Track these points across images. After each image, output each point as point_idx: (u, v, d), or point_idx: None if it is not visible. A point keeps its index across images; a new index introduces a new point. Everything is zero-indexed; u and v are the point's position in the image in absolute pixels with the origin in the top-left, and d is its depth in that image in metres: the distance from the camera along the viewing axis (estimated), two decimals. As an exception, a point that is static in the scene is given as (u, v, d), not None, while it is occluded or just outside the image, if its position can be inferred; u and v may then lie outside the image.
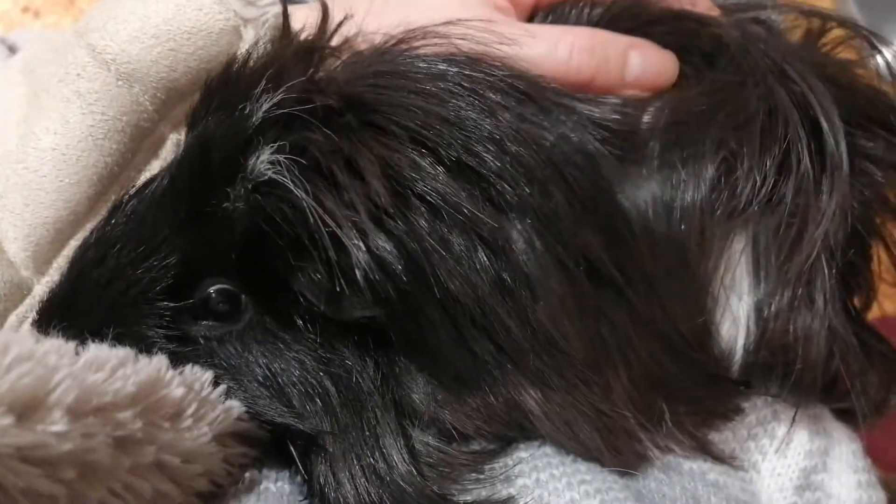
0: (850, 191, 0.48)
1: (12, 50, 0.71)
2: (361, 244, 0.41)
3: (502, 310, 0.43)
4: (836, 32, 0.57)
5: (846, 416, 0.54)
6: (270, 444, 0.47)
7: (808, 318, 0.48)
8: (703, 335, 0.49)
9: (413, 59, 0.47)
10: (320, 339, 0.46)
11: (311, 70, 0.46)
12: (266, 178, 0.43)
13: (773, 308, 0.48)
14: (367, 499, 0.44)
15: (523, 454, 0.48)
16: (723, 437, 0.50)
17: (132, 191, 0.50)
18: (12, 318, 0.52)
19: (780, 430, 0.51)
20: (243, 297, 0.47)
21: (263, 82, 0.45)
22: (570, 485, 0.45)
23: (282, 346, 0.46)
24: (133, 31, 0.50)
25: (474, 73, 0.46)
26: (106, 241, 0.48)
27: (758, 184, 0.47)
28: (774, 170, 0.48)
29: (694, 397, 0.49)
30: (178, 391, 0.42)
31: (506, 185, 0.43)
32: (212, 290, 0.47)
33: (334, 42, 0.50)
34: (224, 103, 0.47)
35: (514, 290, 0.43)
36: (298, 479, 0.47)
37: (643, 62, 0.51)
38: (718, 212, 0.47)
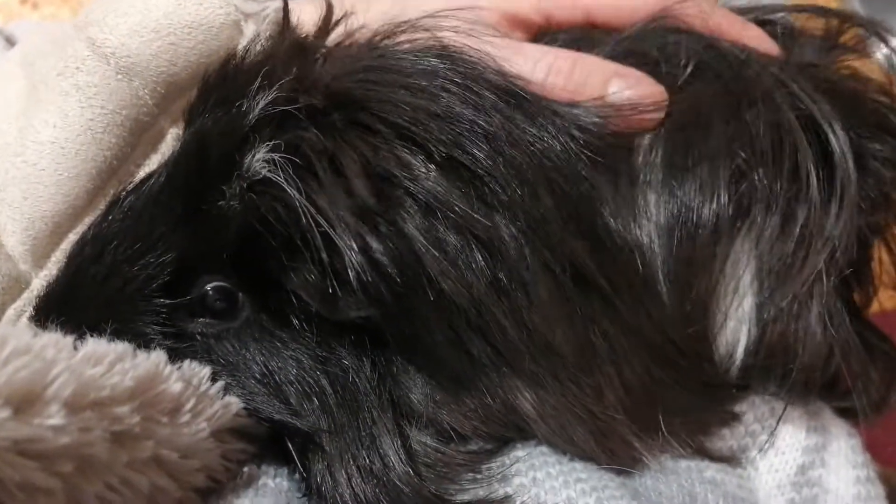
0: (858, 193, 0.48)
1: (10, 42, 0.71)
2: (353, 244, 0.41)
3: (498, 310, 0.43)
4: (853, 32, 0.57)
5: (846, 412, 0.54)
6: (269, 441, 0.47)
7: (809, 320, 0.47)
8: (699, 343, 0.48)
9: (402, 55, 0.47)
10: (317, 338, 0.46)
11: (300, 68, 0.46)
12: (261, 176, 0.43)
13: (774, 311, 0.47)
14: (363, 498, 0.44)
15: (520, 453, 0.47)
16: (720, 436, 0.50)
17: (130, 187, 0.50)
18: (10, 312, 0.52)
19: (778, 427, 0.51)
20: (240, 294, 0.47)
21: (259, 79, 0.45)
22: (567, 483, 0.45)
23: (279, 344, 0.46)
24: (133, 25, 0.50)
25: (467, 70, 0.45)
26: (103, 238, 0.48)
27: (763, 198, 0.47)
28: (780, 181, 0.47)
29: (688, 406, 0.48)
30: (176, 386, 0.42)
31: (497, 185, 0.42)
32: (209, 287, 0.47)
33: (334, 37, 0.50)
34: (221, 100, 0.46)
35: (510, 291, 0.43)
36: (297, 476, 0.47)
37: (626, 92, 0.48)
38: (723, 226, 0.47)
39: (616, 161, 0.46)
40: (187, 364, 0.44)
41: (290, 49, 0.48)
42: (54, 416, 0.33)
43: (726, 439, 0.50)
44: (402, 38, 0.48)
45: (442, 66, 0.45)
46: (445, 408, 0.46)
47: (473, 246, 0.42)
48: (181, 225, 0.46)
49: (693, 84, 0.50)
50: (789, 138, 0.48)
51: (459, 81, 0.44)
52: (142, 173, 0.52)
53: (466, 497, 0.45)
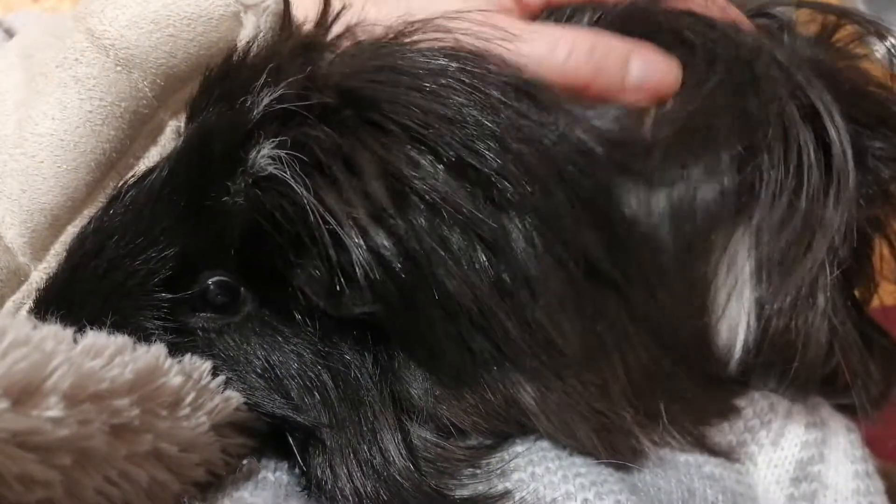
0: (857, 189, 0.48)
1: (9, 33, 0.71)
2: (362, 242, 0.41)
3: (501, 310, 0.43)
4: (850, 29, 0.57)
5: (845, 407, 0.54)
6: (269, 435, 0.47)
7: (810, 315, 0.47)
8: (703, 335, 0.48)
9: (413, 54, 0.47)
10: (319, 333, 0.46)
11: (310, 65, 0.46)
12: (266, 173, 0.43)
13: (774, 306, 0.47)
14: (363, 493, 0.44)
15: (519, 448, 0.47)
16: (720, 431, 0.50)
17: (131, 180, 0.50)
18: (9, 305, 0.52)
19: (777, 422, 0.51)
20: (242, 289, 0.47)
21: (264, 76, 0.45)
22: (566, 478, 0.45)
23: (280, 339, 0.46)
24: (132, 16, 0.50)
25: (475, 69, 0.45)
26: (104, 232, 0.48)
27: (764, 188, 0.47)
28: (782, 175, 0.47)
29: (691, 397, 0.48)
30: (176, 380, 0.42)
31: (507, 184, 0.42)
32: (210, 282, 0.47)
33: (334, 32, 0.49)
34: (225, 95, 0.46)
35: (514, 291, 0.43)
36: (297, 470, 0.47)
37: (645, 68, 0.49)
38: (724, 214, 0.47)
39: (629, 150, 0.46)
40: (188, 358, 0.44)
41: (295, 46, 0.48)
42: (53, 409, 0.33)
43: (725, 433, 0.50)
44: (414, 37, 0.48)
45: (451, 65, 0.45)
46: (446, 403, 0.46)
47: (478, 246, 0.42)
48: (183, 220, 0.46)
49: (697, 65, 0.50)
50: (792, 129, 0.48)
51: (468, 82, 0.44)
52: (141, 166, 0.52)
53: (466, 492, 0.45)
